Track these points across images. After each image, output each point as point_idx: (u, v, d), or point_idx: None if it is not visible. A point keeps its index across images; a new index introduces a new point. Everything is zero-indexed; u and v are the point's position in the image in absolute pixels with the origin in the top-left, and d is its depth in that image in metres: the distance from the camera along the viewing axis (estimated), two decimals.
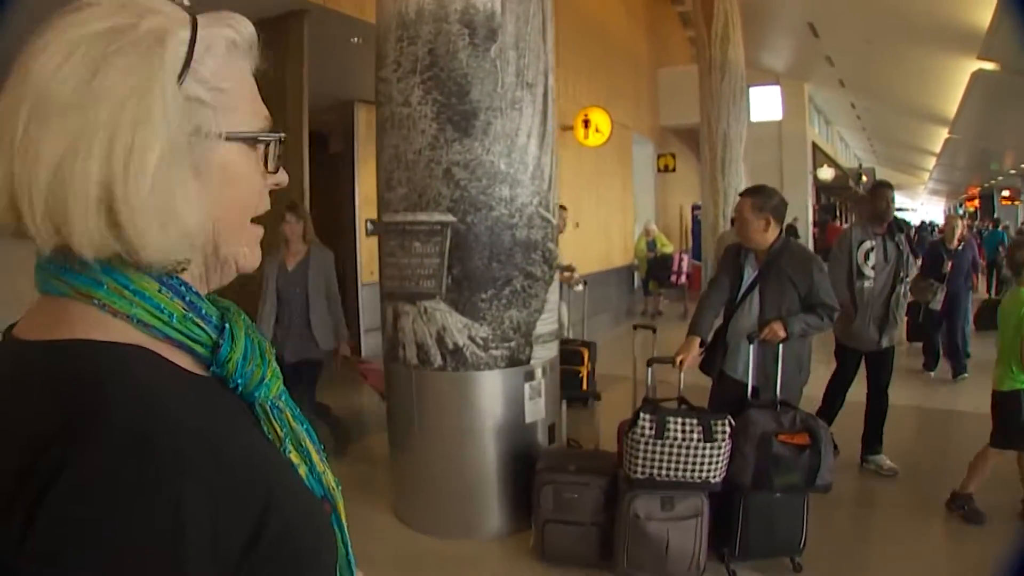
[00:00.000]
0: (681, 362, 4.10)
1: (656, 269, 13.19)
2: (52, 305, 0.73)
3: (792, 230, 20.93)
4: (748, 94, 12.46)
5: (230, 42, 0.78)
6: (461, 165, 4.15)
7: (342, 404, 6.48)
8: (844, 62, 17.40)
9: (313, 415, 5.20)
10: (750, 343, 3.96)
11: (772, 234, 4.06)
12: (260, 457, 0.76)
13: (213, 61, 0.75)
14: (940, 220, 31.92)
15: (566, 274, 7.66)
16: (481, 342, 4.25)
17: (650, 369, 4.22)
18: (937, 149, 27.38)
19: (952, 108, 18.16)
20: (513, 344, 4.31)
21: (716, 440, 3.54)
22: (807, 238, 22.54)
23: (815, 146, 23.03)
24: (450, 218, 4.18)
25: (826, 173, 23.27)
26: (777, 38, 16.67)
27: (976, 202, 36.70)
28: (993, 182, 36.93)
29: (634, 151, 13.53)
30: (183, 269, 0.75)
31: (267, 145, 0.82)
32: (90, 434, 0.61)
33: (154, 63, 0.68)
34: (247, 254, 0.83)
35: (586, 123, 9.77)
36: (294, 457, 0.83)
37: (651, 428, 3.56)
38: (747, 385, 4.01)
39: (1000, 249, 17.72)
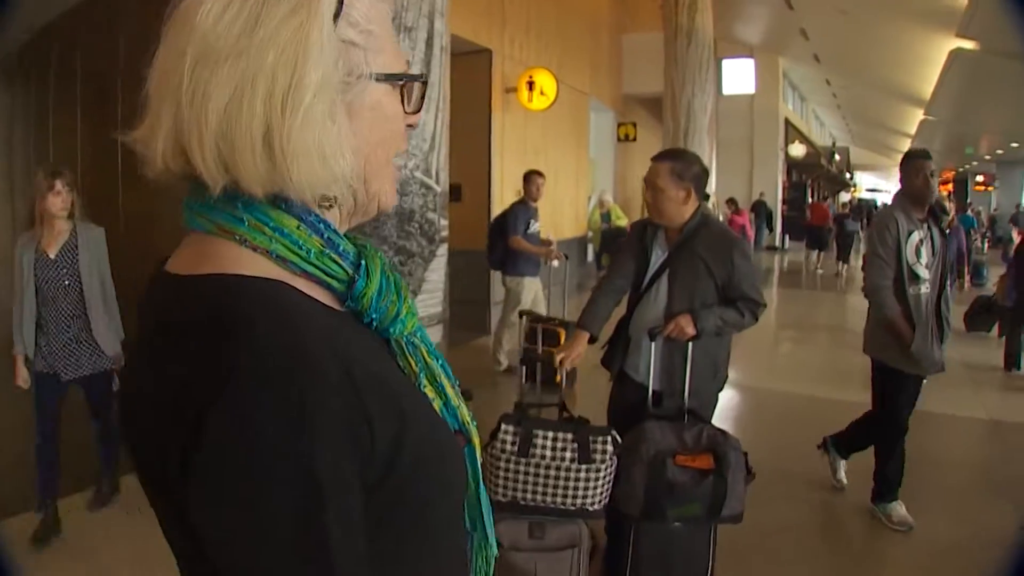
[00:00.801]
0: (562, 361, 3.40)
1: (610, 242, 12.56)
2: (198, 241, 0.79)
3: (761, 205, 20.45)
4: (720, 66, 11.84)
5: None
6: None
7: None
8: (819, 35, 16.83)
9: (116, 446, 4.18)
10: (651, 339, 3.26)
11: (690, 209, 3.34)
12: (395, 385, 0.79)
13: (362, 4, 0.80)
14: None
15: (544, 248, 7.19)
16: None
17: (524, 368, 3.57)
18: (913, 131, 26.93)
19: (929, 88, 17.72)
20: None
21: (594, 461, 2.88)
22: (776, 216, 22.09)
23: (788, 122, 22.50)
24: None
25: (798, 150, 22.81)
26: (751, 7, 16.01)
27: (950, 186, 36.27)
28: (967, 167, 36.59)
29: (592, 119, 12.80)
30: (329, 206, 0.81)
31: (407, 85, 0.85)
32: (239, 362, 0.66)
33: (311, 8, 0.73)
34: (388, 192, 0.90)
35: (530, 85, 9.03)
36: (429, 391, 0.86)
37: (513, 443, 2.91)
38: (649, 388, 3.32)
39: (972, 235, 17.27)
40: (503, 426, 2.96)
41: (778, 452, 4.89)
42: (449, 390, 0.89)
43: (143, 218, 5.97)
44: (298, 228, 0.76)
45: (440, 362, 0.90)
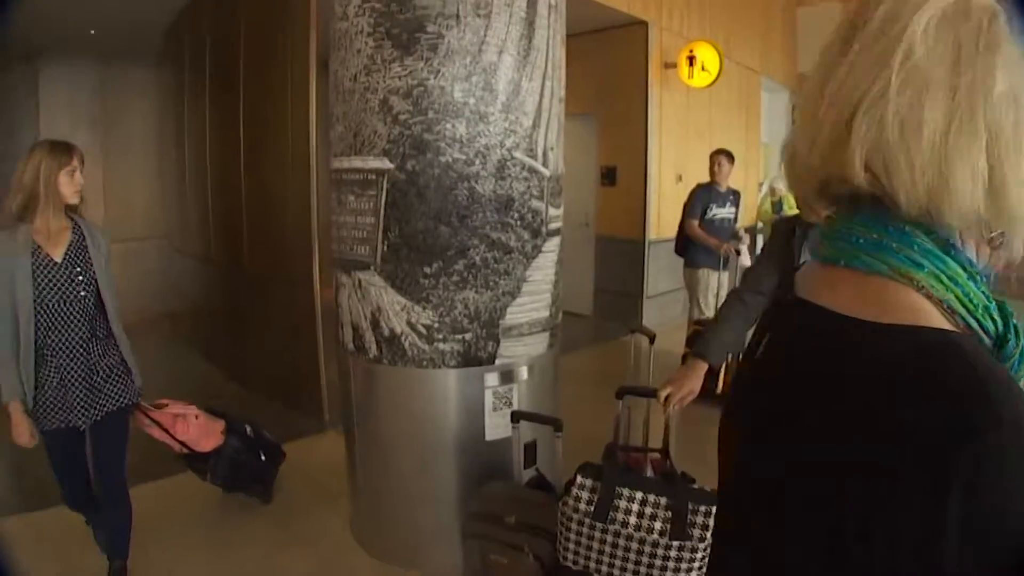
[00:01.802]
0: (668, 398, 2.73)
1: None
2: (865, 282, 0.81)
3: None
4: None
5: None
6: (401, 94, 3.02)
7: None
8: None
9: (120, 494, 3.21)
10: None
11: None
12: None
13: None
14: None
15: (714, 240, 6.32)
16: (424, 331, 3.16)
17: (621, 402, 2.99)
18: None
19: None
20: (468, 336, 3.19)
21: (690, 538, 2.30)
22: None
23: None
24: (387, 164, 3.07)
25: None
26: None
27: None
28: None
29: (765, 99, 11.80)
30: (999, 245, 0.81)
31: None
32: (1001, 414, 0.70)
33: (1005, 43, 0.75)
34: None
35: (691, 60, 8.28)
36: None
37: (590, 502, 2.39)
38: None
39: None
40: (579, 479, 2.45)
41: None
42: None
43: (264, 203, 5.81)
44: (966, 279, 0.78)
45: None
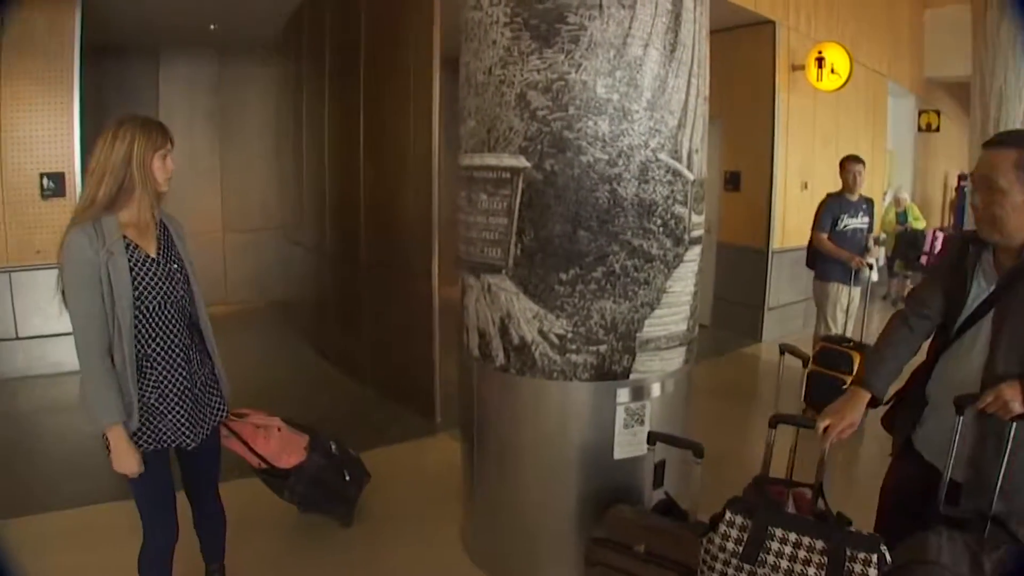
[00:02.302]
0: (827, 430, 2.44)
1: (905, 246, 10.95)
2: None
3: None
4: None
5: None
6: (539, 88, 2.85)
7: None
8: None
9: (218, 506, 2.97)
10: (959, 412, 2.24)
11: None
12: None
13: None
14: None
15: (846, 253, 5.93)
16: (556, 340, 2.98)
17: (773, 432, 2.74)
18: None
19: None
20: (603, 349, 3.00)
21: None
22: None
23: None
24: (523, 162, 2.90)
25: None
26: None
27: None
28: None
29: (890, 104, 11.22)
30: None
31: None
32: None
33: None
34: None
35: (820, 62, 7.87)
36: None
37: (739, 541, 2.16)
38: (945, 477, 2.31)
39: None
40: (728, 514, 2.23)
41: None
42: None
43: (383, 196, 5.76)
44: None
45: None
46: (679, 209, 3.04)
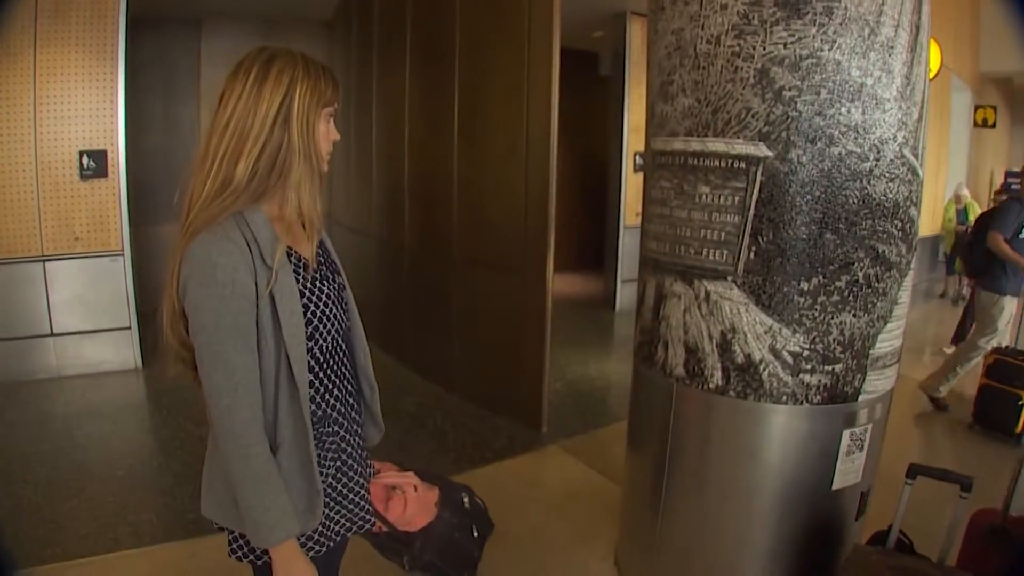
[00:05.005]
0: None
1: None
2: None
3: None
4: None
5: None
6: (787, 65, 2.48)
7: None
8: None
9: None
10: None
11: None
12: None
13: None
14: None
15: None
16: (790, 359, 2.62)
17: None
18: None
19: None
20: (839, 368, 2.64)
21: None
22: None
23: None
24: (763, 151, 2.54)
25: None
26: None
27: None
28: None
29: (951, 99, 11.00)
30: None
31: None
32: None
33: None
34: None
35: None
36: None
37: None
38: None
39: None
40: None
41: None
42: None
43: (482, 184, 5.37)
44: None
45: None
46: (913, 211, 2.71)
